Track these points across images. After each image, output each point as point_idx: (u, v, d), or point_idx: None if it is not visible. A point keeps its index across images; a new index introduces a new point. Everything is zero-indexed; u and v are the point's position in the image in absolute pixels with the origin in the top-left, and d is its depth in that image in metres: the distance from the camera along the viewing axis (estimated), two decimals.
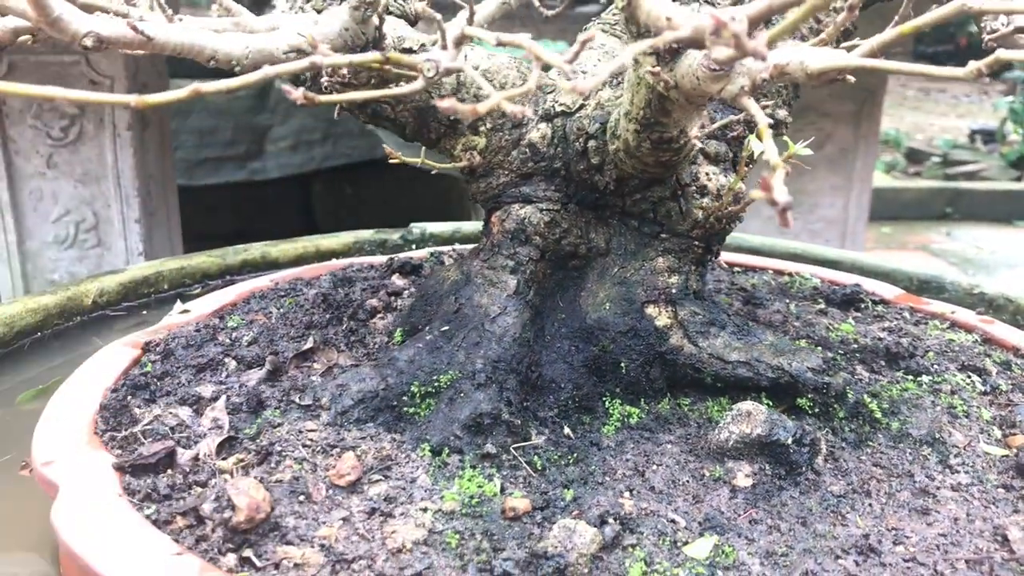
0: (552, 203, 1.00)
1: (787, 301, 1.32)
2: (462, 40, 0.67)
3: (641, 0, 0.65)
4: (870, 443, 0.93)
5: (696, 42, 0.56)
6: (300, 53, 0.85)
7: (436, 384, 0.92)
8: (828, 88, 2.94)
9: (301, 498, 0.78)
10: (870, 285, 1.37)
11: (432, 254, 1.48)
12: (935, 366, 1.08)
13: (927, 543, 0.78)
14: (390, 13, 1.04)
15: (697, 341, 0.97)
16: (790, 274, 1.45)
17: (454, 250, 1.54)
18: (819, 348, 1.03)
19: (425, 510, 0.77)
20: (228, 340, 1.14)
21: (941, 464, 0.90)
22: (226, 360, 1.06)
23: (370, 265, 1.45)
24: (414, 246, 1.88)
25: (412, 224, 1.94)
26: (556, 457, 0.88)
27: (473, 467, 0.84)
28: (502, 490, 0.82)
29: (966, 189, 5.53)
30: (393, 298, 1.27)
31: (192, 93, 0.50)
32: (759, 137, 0.61)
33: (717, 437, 0.89)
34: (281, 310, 1.24)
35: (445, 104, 0.48)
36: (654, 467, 0.87)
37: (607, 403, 0.96)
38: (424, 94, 0.99)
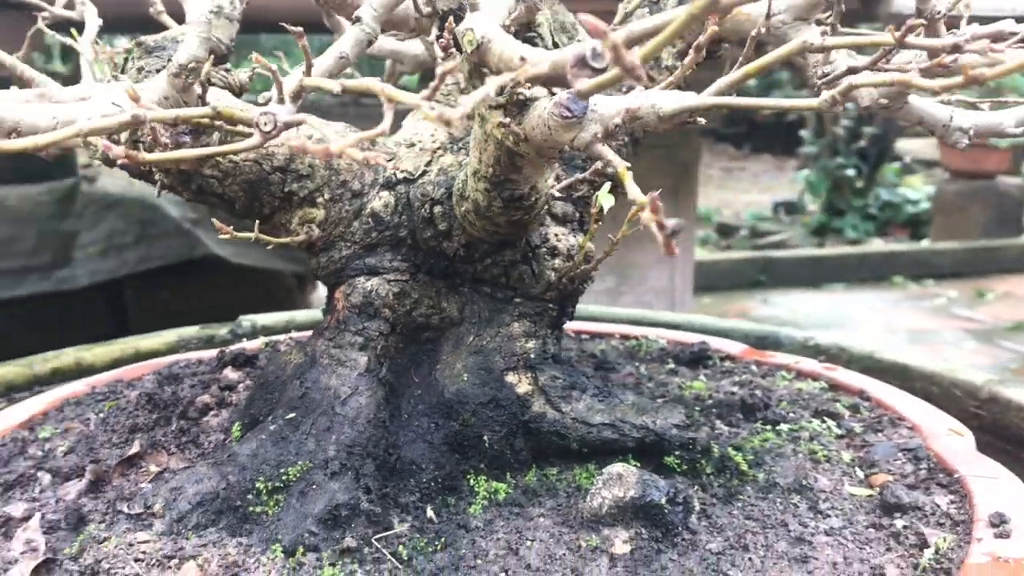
0: (400, 273, 0.95)
1: (637, 364, 1.31)
2: (300, 92, 0.62)
3: (491, 44, 0.62)
4: (740, 496, 0.91)
5: (556, 79, 0.53)
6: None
7: (284, 478, 0.84)
8: (648, 161, 3.05)
9: None
10: (716, 343, 1.38)
11: (267, 344, 1.39)
12: (790, 414, 1.09)
13: None
14: (212, 84, 0.98)
15: (560, 406, 0.93)
16: (636, 338, 1.45)
17: (291, 338, 1.46)
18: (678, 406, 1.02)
19: None
20: (40, 452, 1.01)
21: (812, 510, 0.89)
22: (39, 474, 0.94)
23: (199, 360, 1.34)
24: (244, 340, 1.77)
25: (241, 317, 1.83)
26: (423, 544, 0.81)
27: (332, 564, 0.76)
28: None
29: (775, 258, 5.84)
30: (227, 393, 1.17)
31: None
32: (619, 181, 0.58)
33: (590, 504, 0.84)
34: (100, 415, 1.12)
35: (295, 143, 0.43)
36: (528, 543, 0.82)
37: (472, 481, 0.90)
38: (255, 166, 0.93)
